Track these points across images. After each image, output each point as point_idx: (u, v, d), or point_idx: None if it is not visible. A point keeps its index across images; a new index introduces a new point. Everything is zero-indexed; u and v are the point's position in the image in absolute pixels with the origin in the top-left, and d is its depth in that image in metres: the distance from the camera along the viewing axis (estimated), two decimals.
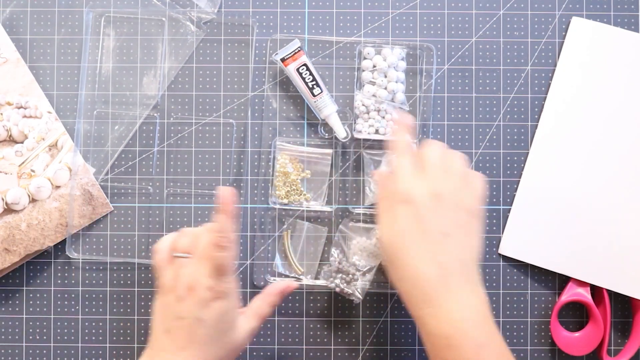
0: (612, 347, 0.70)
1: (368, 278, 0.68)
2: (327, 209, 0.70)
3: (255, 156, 0.70)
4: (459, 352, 0.54)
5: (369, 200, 0.69)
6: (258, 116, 0.70)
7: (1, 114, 0.69)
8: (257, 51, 0.70)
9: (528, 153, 0.70)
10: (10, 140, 0.69)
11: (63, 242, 0.69)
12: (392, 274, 0.58)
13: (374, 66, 0.69)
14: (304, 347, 0.70)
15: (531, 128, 0.70)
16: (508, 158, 0.70)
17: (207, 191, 0.70)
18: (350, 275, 0.67)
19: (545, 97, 0.70)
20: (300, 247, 0.70)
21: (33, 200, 0.68)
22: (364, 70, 0.69)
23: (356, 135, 0.69)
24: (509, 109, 0.71)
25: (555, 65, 0.70)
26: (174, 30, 0.70)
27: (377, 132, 0.69)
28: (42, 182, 0.68)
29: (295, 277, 0.69)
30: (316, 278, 0.69)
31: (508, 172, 0.70)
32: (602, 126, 0.69)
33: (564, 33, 0.71)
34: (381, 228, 0.59)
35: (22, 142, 0.69)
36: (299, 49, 0.68)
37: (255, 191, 0.70)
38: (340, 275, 0.67)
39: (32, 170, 0.68)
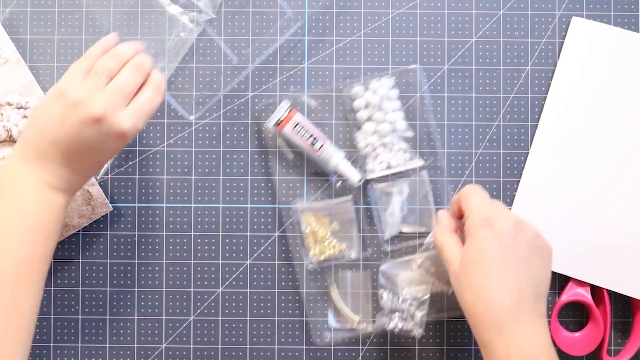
0: (612, 347, 0.70)
1: (425, 308, 0.66)
2: (362, 255, 0.69)
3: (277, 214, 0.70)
4: None
5: (389, 233, 0.69)
6: (271, 173, 0.70)
7: (1, 114, 0.69)
8: (253, 118, 0.70)
9: (528, 153, 0.70)
10: (11, 140, 0.69)
11: (63, 241, 0.69)
12: (465, 296, 0.58)
13: (367, 104, 0.68)
14: (304, 347, 0.70)
15: (531, 128, 0.70)
16: (508, 158, 0.70)
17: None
18: (407, 312, 0.66)
19: (545, 97, 0.70)
20: (349, 297, 0.69)
21: None
22: (357, 111, 0.68)
23: (370, 176, 0.68)
24: (509, 109, 0.71)
25: (555, 65, 0.70)
26: (174, 30, 0.70)
27: (389, 166, 0.68)
28: None
29: (353, 328, 0.68)
30: (373, 322, 0.68)
31: (508, 172, 0.70)
32: (602, 126, 0.69)
33: (564, 33, 0.71)
34: (463, 250, 0.59)
35: None
36: (290, 108, 0.67)
37: (297, 254, 0.70)
38: (397, 314, 0.66)
39: None
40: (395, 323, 0.66)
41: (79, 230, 0.69)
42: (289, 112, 0.67)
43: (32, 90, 0.69)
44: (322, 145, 0.66)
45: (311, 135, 0.66)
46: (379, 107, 0.67)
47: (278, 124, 0.66)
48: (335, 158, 0.67)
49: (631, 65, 0.69)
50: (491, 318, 0.56)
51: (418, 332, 0.65)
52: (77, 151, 0.56)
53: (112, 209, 0.70)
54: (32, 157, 0.56)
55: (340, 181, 0.69)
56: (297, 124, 0.66)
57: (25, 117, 0.69)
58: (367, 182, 0.69)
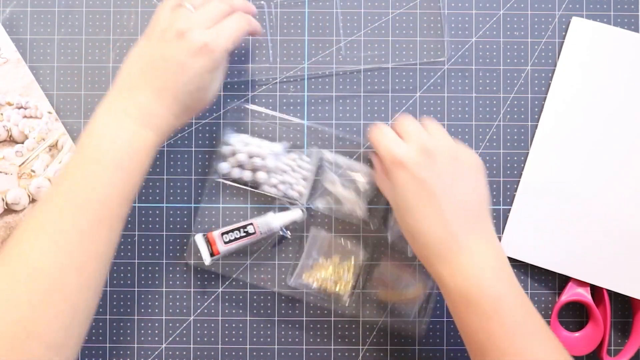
0: (612, 347, 0.70)
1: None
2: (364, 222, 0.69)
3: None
4: (477, 309, 0.53)
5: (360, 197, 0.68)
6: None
7: (1, 114, 0.69)
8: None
9: (528, 153, 0.70)
10: (11, 140, 0.69)
11: None
12: (406, 236, 0.59)
13: (268, 172, 0.67)
14: (304, 347, 0.70)
15: (531, 128, 0.70)
16: (508, 158, 0.70)
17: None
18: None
19: (545, 97, 0.70)
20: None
21: (33, 201, 0.68)
22: (264, 184, 0.68)
23: (319, 205, 0.68)
24: (509, 109, 0.71)
25: (555, 65, 0.70)
26: None
27: (305, 179, 0.68)
28: (42, 182, 0.68)
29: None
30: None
31: (508, 172, 0.70)
32: (602, 126, 0.69)
33: (564, 33, 0.71)
34: (389, 197, 0.60)
35: (22, 143, 0.69)
36: (209, 230, 0.67)
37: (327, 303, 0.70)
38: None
39: (32, 171, 0.68)
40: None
41: None
42: (210, 230, 0.67)
43: (32, 90, 0.69)
44: (254, 227, 0.66)
45: (241, 232, 0.66)
46: (278, 165, 0.67)
47: (212, 248, 0.66)
48: (272, 222, 0.67)
49: (631, 65, 0.69)
50: (431, 252, 0.56)
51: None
52: (163, 75, 0.56)
53: None
54: (124, 93, 0.57)
55: (289, 231, 0.69)
56: (223, 234, 0.66)
57: (25, 117, 0.69)
58: (309, 209, 0.68)
